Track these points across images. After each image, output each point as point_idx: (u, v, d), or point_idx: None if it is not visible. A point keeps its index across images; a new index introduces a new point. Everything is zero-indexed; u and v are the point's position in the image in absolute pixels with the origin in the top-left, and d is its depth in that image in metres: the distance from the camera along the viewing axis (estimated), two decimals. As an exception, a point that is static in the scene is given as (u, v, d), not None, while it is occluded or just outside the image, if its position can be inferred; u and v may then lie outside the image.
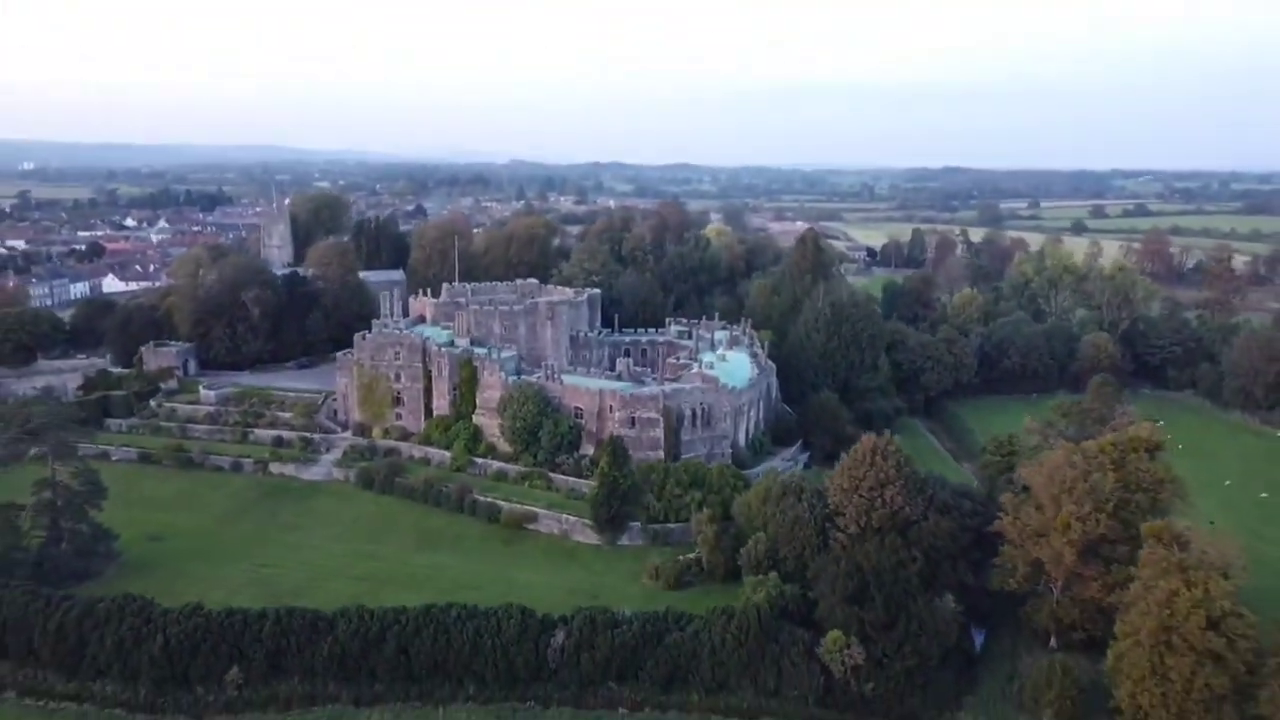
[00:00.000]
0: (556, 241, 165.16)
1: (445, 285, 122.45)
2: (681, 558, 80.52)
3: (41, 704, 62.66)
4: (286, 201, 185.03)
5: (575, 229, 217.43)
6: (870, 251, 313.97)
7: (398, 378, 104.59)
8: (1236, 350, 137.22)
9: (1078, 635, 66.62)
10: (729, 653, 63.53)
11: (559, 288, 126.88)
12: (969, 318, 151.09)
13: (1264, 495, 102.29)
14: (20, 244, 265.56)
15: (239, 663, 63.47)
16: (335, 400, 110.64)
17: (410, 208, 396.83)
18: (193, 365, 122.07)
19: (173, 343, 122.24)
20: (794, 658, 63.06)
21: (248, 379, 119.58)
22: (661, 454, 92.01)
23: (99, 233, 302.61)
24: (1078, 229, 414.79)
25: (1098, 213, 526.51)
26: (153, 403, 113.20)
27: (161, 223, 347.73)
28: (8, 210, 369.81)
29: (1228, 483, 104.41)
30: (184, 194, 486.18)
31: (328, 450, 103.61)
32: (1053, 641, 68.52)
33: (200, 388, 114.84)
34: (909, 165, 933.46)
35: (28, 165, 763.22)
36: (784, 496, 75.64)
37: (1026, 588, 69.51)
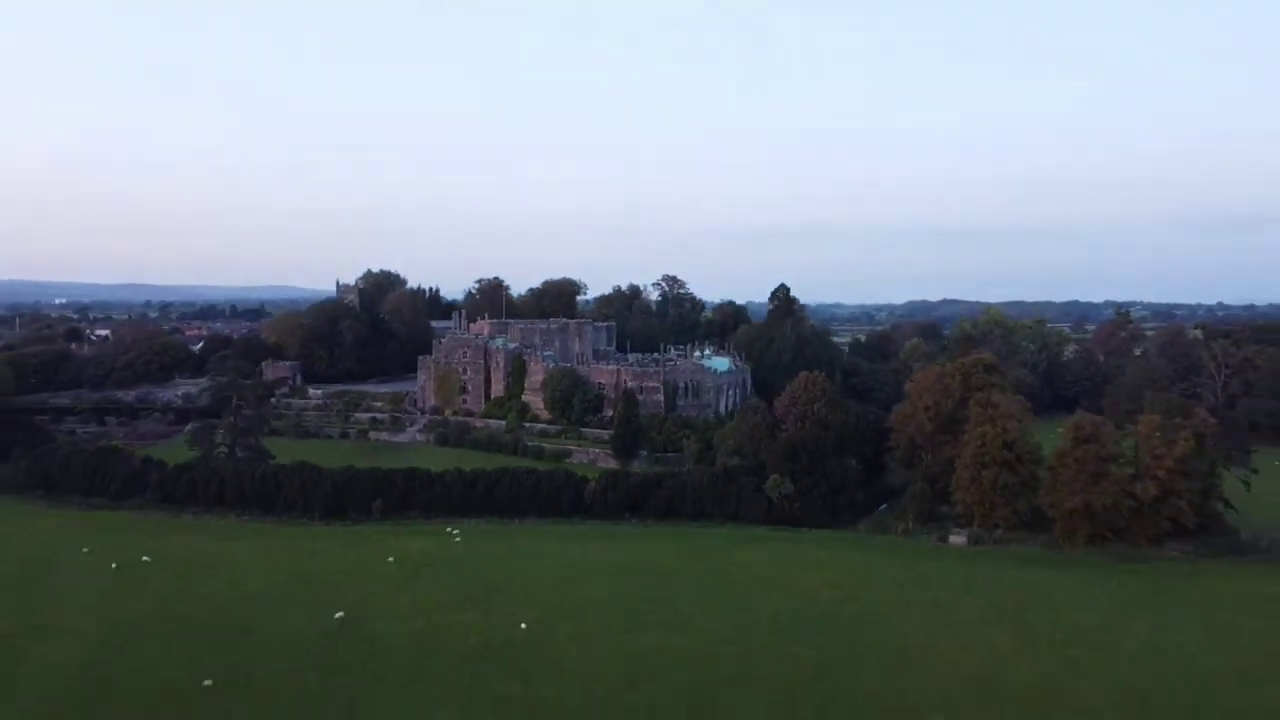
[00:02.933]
0: (582, 296, 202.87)
1: (495, 319, 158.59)
2: (676, 470, 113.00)
3: (250, 517, 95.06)
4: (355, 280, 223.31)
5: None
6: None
7: (465, 371, 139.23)
8: (1127, 377, 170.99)
9: (939, 486, 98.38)
10: (705, 490, 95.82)
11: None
12: (916, 359, 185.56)
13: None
14: (106, 333, 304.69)
15: (381, 497, 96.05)
16: (415, 394, 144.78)
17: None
18: (299, 378, 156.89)
19: (284, 361, 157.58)
20: (747, 492, 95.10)
21: (342, 387, 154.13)
22: (662, 412, 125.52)
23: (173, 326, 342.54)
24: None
25: (1078, 329, 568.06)
26: (273, 399, 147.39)
27: (218, 324, 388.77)
28: (74, 317, 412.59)
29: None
30: (229, 308, 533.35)
31: (412, 425, 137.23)
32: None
33: (309, 389, 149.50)
34: (908, 299, 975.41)
35: (60, 300, 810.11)
36: (746, 412, 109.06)
37: (907, 464, 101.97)
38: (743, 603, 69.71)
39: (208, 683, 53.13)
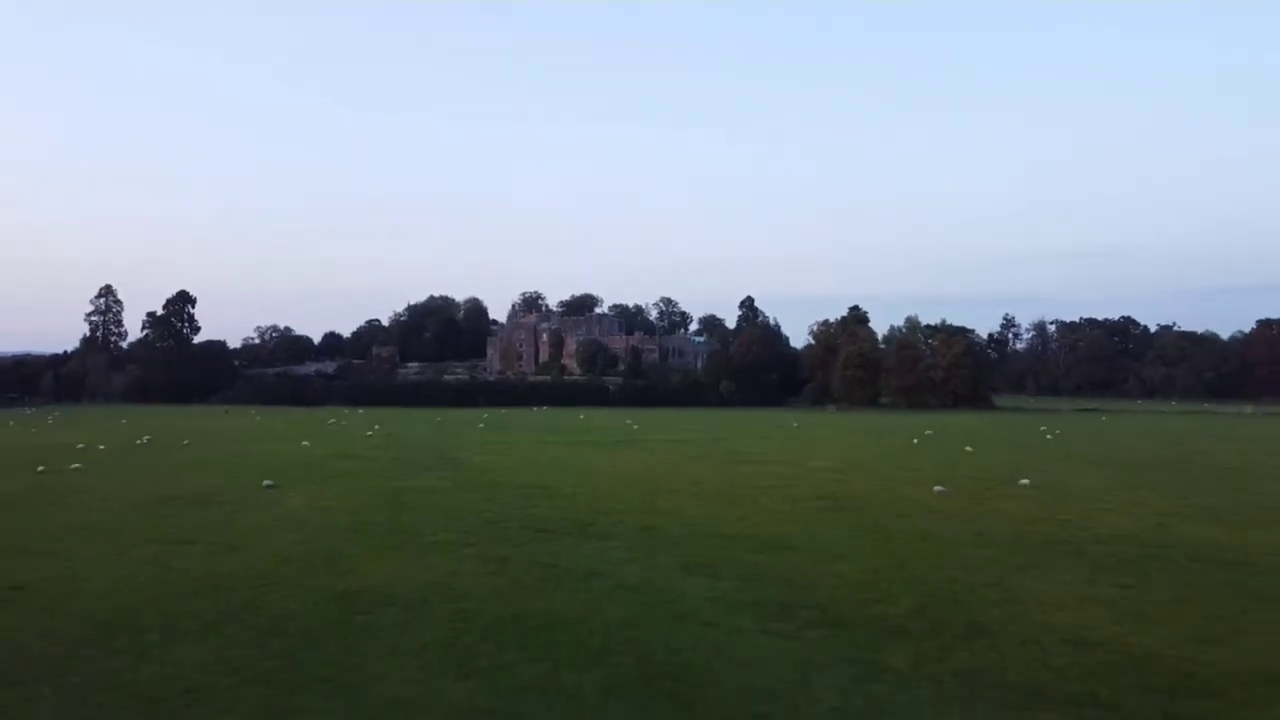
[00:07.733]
0: (599, 308, 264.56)
1: (539, 313, 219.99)
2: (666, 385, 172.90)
3: (399, 409, 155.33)
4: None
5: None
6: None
7: (520, 345, 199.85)
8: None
9: (825, 389, 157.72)
10: (683, 391, 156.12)
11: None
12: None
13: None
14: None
15: (482, 396, 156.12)
16: (485, 363, 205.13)
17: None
18: (398, 356, 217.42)
19: (388, 346, 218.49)
20: (708, 391, 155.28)
21: (430, 362, 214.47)
22: (657, 364, 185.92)
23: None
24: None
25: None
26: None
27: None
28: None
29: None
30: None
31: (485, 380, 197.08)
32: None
33: (407, 364, 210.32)
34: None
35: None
36: (711, 355, 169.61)
37: (807, 378, 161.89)
38: (698, 422, 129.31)
39: (438, 419, 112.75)
